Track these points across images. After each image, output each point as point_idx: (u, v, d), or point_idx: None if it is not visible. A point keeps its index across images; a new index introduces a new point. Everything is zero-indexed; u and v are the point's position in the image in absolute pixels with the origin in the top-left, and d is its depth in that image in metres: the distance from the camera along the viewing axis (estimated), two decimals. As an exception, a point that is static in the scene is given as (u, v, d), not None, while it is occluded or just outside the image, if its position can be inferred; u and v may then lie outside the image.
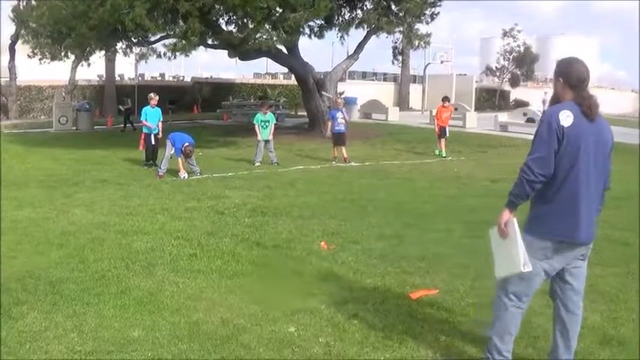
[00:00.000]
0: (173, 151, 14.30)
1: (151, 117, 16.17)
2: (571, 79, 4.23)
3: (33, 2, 24.50)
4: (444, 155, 19.59)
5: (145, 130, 16.26)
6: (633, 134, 23.99)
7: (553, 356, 4.55)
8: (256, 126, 16.78)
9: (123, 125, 27.66)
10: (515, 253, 4.18)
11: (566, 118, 4.09)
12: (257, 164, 16.53)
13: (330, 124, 18.50)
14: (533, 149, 4.15)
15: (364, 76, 63.55)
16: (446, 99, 20.97)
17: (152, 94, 16.72)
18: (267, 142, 16.83)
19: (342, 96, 31.00)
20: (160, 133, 16.15)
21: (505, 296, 4.43)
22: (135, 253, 7.70)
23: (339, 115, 17.71)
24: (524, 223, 4.32)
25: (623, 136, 23.97)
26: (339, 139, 17.65)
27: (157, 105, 16.36)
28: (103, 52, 26.14)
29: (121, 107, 29.07)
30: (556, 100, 4.30)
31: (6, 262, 7.22)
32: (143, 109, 16.50)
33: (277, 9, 20.74)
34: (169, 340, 5.18)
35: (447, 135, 20.30)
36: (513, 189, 4.22)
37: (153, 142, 16.11)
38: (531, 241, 4.21)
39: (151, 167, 15.69)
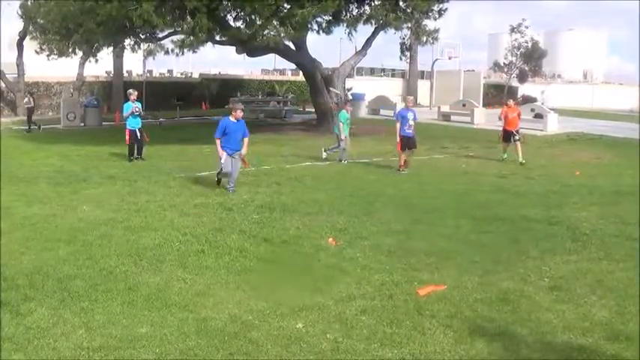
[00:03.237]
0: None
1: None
2: None
3: (41, -2, 24.51)
4: (521, 160, 16.65)
5: (128, 127, 16.31)
6: (643, 130, 23.93)
7: None
8: (342, 124, 16.32)
9: (27, 126, 25.49)
10: None
11: None
12: (345, 162, 16.26)
13: (397, 125, 15.12)
14: None
15: (372, 72, 63.35)
16: (512, 99, 19.11)
17: (131, 90, 17.05)
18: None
19: (350, 92, 30.91)
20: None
21: None
22: (143, 250, 7.72)
23: (409, 115, 15.04)
24: None
25: (635, 132, 23.94)
26: (409, 142, 15.13)
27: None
28: (111, 48, 26.11)
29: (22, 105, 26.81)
30: None
31: (15, 258, 7.25)
32: (125, 104, 16.71)
33: (285, 5, 20.71)
34: (177, 336, 5.19)
35: (518, 137, 17.08)
36: None
37: (139, 137, 16.28)
38: None
39: (137, 161, 15.98)
